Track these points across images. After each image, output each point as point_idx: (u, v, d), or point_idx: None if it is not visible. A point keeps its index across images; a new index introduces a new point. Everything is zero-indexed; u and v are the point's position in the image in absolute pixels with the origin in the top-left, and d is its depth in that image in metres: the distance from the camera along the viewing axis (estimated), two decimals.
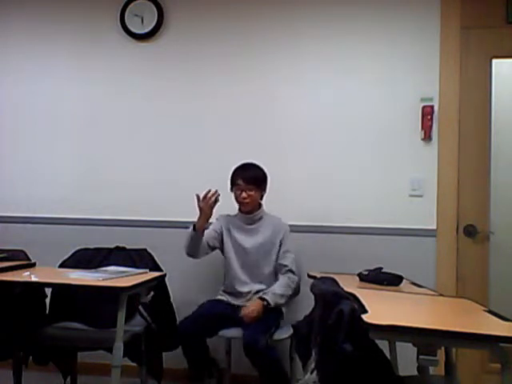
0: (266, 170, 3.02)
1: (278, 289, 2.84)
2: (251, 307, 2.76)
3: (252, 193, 2.93)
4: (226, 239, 3.01)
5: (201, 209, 2.83)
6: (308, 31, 3.33)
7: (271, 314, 2.80)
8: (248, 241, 2.98)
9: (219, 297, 3.00)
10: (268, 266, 2.95)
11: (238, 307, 2.84)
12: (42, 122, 3.62)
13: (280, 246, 2.96)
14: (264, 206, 3.06)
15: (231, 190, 2.99)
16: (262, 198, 3.03)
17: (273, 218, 3.03)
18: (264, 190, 3.01)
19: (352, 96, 3.29)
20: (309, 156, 3.31)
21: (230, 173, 3.00)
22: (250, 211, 2.99)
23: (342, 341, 1.55)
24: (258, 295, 2.85)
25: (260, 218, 3.02)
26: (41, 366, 2.88)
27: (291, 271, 2.91)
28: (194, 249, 2.88)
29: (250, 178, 2.94)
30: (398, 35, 3.24)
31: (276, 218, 3.04)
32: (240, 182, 2.94)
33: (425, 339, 1.58)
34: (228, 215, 3.07)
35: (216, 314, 2.84)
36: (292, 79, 3.35)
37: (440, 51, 3.18)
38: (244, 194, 2.93)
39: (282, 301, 2.84)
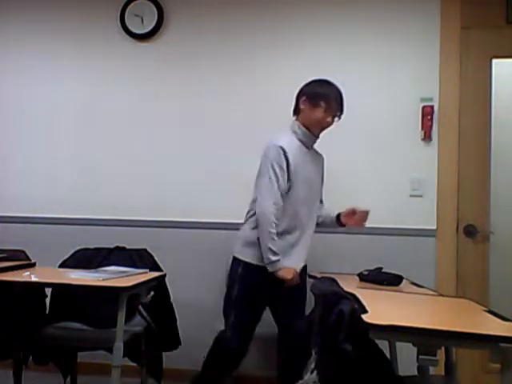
0: None
1: None
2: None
3: (334, 119, 2.67)
4: (297, 170, 2.58)
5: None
6: (308, 31, 3.34)
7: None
8: (315, 170, 2.72)
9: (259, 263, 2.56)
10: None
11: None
12: (42, 121, 3.62)
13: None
14: None
15: (315, 104, 2.59)
16: None
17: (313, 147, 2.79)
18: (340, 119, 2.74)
19: (352, 96, 3.28)
20: None
21: (323, 89, 2.64)
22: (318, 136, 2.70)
23: (341, 341, 1.55)
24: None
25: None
26: (41, 366, 2.88)
27: None
28: None
29: (342, 103, 2.66)
30: (398, 35, 3.24)
31: None
32: (338, 113, 2.64)
33: (425, 339, 1.58)
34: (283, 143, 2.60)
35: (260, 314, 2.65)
36: (292, 79, 3.34)
37: (440, 51, 3.18)
38: (330, 119, 2.62)
39: None
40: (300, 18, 3.34)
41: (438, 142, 3.17)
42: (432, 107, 3.16)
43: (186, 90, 3.46)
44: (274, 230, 2.48)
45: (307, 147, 2.67)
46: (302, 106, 2.64)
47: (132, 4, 3.48)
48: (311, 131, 2.66)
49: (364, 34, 3.28)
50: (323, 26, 3.32)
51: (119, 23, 3.50)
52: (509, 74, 3.30)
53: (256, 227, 2.54)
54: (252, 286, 2.57)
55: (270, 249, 2.47)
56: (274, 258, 2.48)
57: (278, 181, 2.50)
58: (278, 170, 2.51)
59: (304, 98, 2.63)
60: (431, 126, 3.16)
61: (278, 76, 3.37)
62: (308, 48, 3.34)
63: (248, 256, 2.59)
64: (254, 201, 2.60)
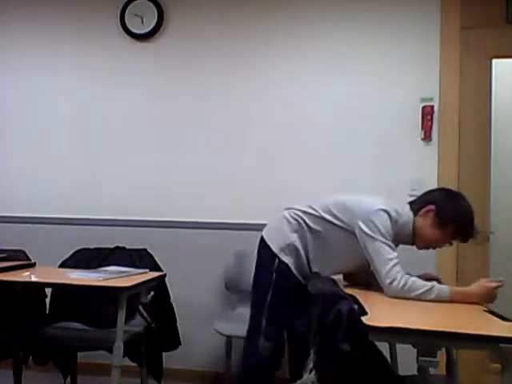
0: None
1: None
2: None
3: None
4: None
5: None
6: (308, 31, 3.33)
7: None
8: None
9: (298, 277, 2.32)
10: None
11: None
12: (42, 121, 3.62)
13: None
14: None
15: (442, 225, 2.17)
16: None
17: None
18: None
19: (352, 96, 3.29)
20: (308, 156, 3.31)
21: (458, 212, 2.19)
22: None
23: (340, 340, 1.55)
24: None
25: None
26: (41, 366, 2.88)
27: None
28: None
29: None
30: (398, 35, 3.24)
31: None
32: (462, 241, 2.25)
33: (424, 340, 1.57)
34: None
35: None
36: (291, 79, 3.35)
37: (440, 51, 3.18)
38: (441, 247, 2.32)
39: None
40: (300, 17, 3.34)
41: (438, 142, 3.17)
42: (432, 107, 3.16)
43: (185, 89, 3.46)
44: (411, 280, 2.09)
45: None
46: (423, 214, 2.21)
47: (132, 4, 3.48)
48: (416, 242, 2.28)
49: (364, 34, 3.27)
50: (323, 26, 3.32)
51: (119, 23, 3.51)
52: (509, 74, 3.30)
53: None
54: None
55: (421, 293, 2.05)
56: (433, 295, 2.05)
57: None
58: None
59: (432, 208, 2.19)
60: (431, 126, 3.16)
61: (278, 76, 3.37)
62: (308, 48, 3.33)
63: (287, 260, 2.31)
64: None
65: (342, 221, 2.24)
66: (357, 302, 1.73)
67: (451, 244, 2.27)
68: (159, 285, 2.77)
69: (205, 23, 3.45)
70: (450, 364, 2.15)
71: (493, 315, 1.84)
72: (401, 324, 1.58)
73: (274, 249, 2.30)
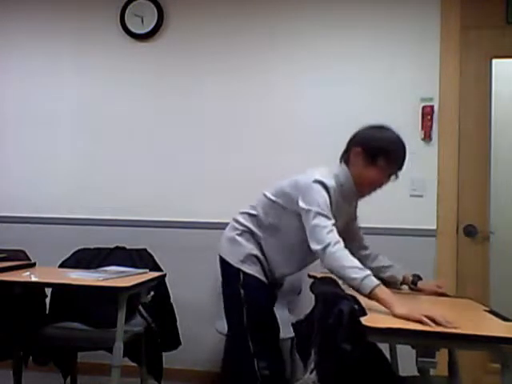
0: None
1: None
2: None
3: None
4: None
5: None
6: (308, 31, 3.33)
7: None
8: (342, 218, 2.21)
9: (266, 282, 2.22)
10: None
11: None
12: (42, 121, 3.62)
13: None
14: None
15: (372, 161, 2.09)
16: None
17: None
18: None
19: (352, 96, 3.29)
20: (308, 156, 3.31)
21: (384, 142, 2.13)
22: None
23: (341, 340, 1.54)
24: None
25: None
26: (41, 366, 2.88)
27: None
28: None
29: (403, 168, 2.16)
30: (398, 35, 3.24)
31: None
32: (397, 169, 2.14)
33: (423, 341, 1.57)
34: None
35: None
36: (291, 79, 3.35)
37: (440, 51, 3.18)
38: (386, 183, 2.15)
39: None
40: (300, 17, 3.34)
41: (438, 142, 3.17)
42: (432, 107, 3.16)
43: (185, 89, 3.46)
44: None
45: (347, 202, 2.21)
46: (353, 158, 2.13)
47: (132, 4, 3.48)
48: (360, 190, 2.17)
49: (364, 34, 3.27)
50: (323, 26, 3.32)
51: (119, 23, 3.50)
52: (509, 74, 3.30)
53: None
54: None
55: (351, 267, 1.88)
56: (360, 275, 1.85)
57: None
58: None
59: (359, 149, 2.11)
60: (431, 126, 3.16)
61: (278, 76, 3.37)
62: (308, 47, 3.33)
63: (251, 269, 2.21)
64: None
65: (283, 206, 2.16)
66: (357, 302, 1.72)
67: (389, 179, 2.13)
68: (159, 285, 2.77)
69: (205, 23, 3.45)
70: (452, 365, 2.14)
71: (493, 315, 1.84)
72: (400, 325, 1.58)
73: (234, 263, 2.19)
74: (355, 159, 2.12)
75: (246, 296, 2.16)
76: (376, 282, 1.81)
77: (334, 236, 1.94)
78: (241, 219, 2.26)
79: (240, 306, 2.16)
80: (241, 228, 2.24)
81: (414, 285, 2.33)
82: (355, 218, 2.39)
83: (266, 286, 2.22)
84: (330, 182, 2.07)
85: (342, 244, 1.93)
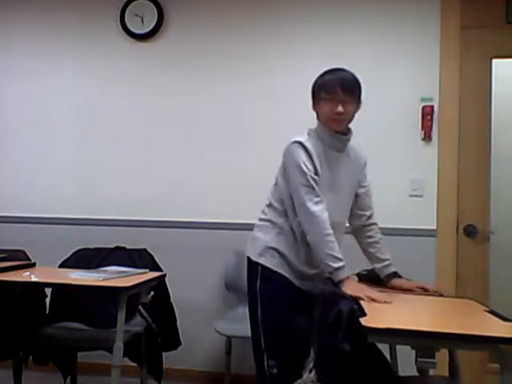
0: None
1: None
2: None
3: (350, 107, 2.15)
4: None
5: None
6: (308, 31, 3.33)
7: None
8: (340, 175, 2.26)
9: (289, 277, 2.16)
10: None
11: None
12: (42, 121, 3.62)
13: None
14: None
15: (318, 98, 2.20)
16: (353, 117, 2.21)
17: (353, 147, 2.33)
18: (359, 105, 2.22)
19: None
20: None
21: (322, 78, 2.26)
22: (343, 132, 2.23)
23: (340, 340, 1.55)
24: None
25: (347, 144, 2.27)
26: (41, 366, 2.88)
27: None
28: None
29: (350, 87, 2.17)
30: (398, 35, 3.24)
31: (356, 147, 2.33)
32: (338, 89, 2.14)
33: (422, 342, 1.57)
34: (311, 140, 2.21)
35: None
36: (292, 78, 3.35)
37: (440, 51, 3.18)
38: (340, 108, 2.12)
39: None
40: (300, 17, 3.34)
41: (438, 142, 3.17)
42: (432, 107, 3.16)
43: (186, 89, 3.46)
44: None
45: (338, 150, 2.24)
46: (314, 109, 2.26)
47: (132, 4, 3.48)
48: (329, 128, 2.20)
49: (364, 34, 3.27)
50: (324, 25, 3.32)
51: (119, 23, 3.51)
52: (509, 74, 3.30)
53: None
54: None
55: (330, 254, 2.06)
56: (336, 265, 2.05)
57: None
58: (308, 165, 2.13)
59: (312, 97, 2.26)
60: (431, 126, 3.16)
61: (278, 75, 3.36)
62: (308, 47, 3.33)
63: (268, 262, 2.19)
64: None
65: (284, 185, 2.21)
66: (357, 302, 1.72)
67: (344, 108, 2.13)
68: (159, 285, 2.77)
69: (205, 23, 3.45)
70: (452, 365, 2.14)
71: (493, 315, 1.84)
72: (399, 325, 1.58)
73: (253, 257, 2.19)
74: (314, 108, 2.27)
75: (261, 290, 2.14)
76: (345, 274, 2.03)
77: (316, 196, 2.09)
78: (260, 215, 2.30)
79: (255, 300, 2.14)
80: (259, 223, 2.27)
81: (384, 279, 2.33)
82: (364, 185, 2.45)
83: (286, 280, 2.15)
84: (303, 138, 2.20)
85: (322, 206, 2.09)
